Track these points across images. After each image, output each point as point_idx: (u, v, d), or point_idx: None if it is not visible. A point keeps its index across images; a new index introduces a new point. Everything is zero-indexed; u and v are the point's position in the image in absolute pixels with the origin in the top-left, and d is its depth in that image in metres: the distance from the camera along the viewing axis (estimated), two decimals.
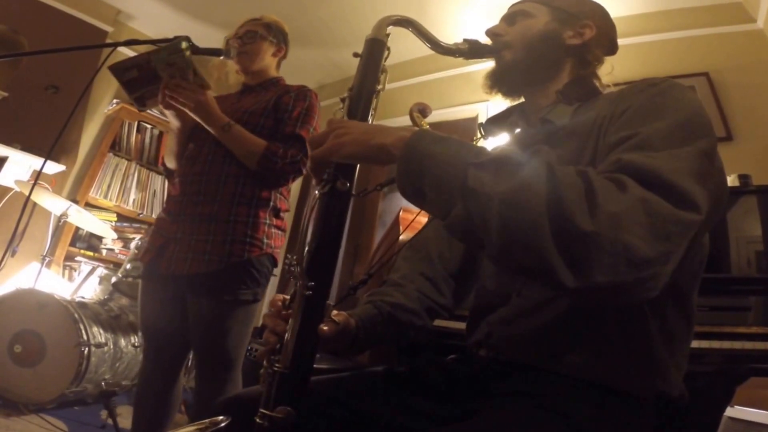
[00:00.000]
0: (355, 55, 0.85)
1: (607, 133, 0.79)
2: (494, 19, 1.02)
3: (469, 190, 0.61)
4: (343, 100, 0.82)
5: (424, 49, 3.53)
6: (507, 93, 1.02)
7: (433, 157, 0.64)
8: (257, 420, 0.66)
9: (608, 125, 0.80)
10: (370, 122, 0.80)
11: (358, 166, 0.76)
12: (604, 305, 0.76)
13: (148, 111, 3.78)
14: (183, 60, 1.44)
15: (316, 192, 0.74)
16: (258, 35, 1.73)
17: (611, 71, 1.03)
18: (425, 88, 3.70)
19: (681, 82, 0.79)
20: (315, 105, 1.70)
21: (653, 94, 0.76)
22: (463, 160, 0.63)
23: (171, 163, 1.72)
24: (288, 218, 1.76)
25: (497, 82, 1.01)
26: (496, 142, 1.26)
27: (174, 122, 1.61)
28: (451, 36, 1.06)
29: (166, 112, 1.57)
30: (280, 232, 1.67)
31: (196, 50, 1.48)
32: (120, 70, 1.47)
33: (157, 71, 1.45)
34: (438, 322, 1.87)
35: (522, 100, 1.04)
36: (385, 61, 0.84)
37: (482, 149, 0.66)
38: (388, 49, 0.84)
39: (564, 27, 0.97)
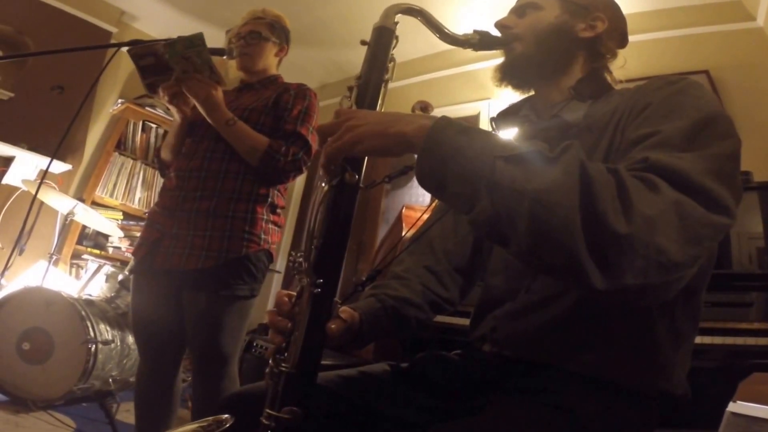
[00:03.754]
0: (363, 43, 0.81)
1: (625, 129, 0.78)
2: (496, 17, 1.00)
3: (496, 185, 0.58)
4: (350, 89, 0.79)
5: (425, 48, 3.51)
6: (517, 86, 1.00)
7: (458, 148, 0.61)
8: (263, 421, 0.64)
9: (626, 121, 0.79)
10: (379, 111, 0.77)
11: (367, 157, 0.73)
12: (623, 305, 0.75)
13: (153, 111, 3.82)
14: (199, 57, 1.45)
15: (323, 185, 0.71)
16: (261, 36, 1.73)
17: (624, 64, 1.01)
18: (427, 87, 3.70)
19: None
20: (314, 104, 1.70)
21: (673, 92, 0.75)
22: (490, 153, 0.60)
23: (166, 155, 1.73)
24: (285, 214, 1.77)
25: (507, 75, 0.98)
26: (506, 135, 1.25)
27: (177, 114, 1.61)
28: None
29: (171, 103, 1.58)
30: (276, 228, 1.68)
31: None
32: (138, 54, 1.49)
33: (171, 63, 1.46)
34: (443, 319, 1.90)
35: (532, 93, 1.03)
36: (393, 49, 0.81)
37: (509, 142, 0.63)
38: (397, 37, 0.81)
39: (575, 19, 0.96)
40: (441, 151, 0.62)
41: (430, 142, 0.63)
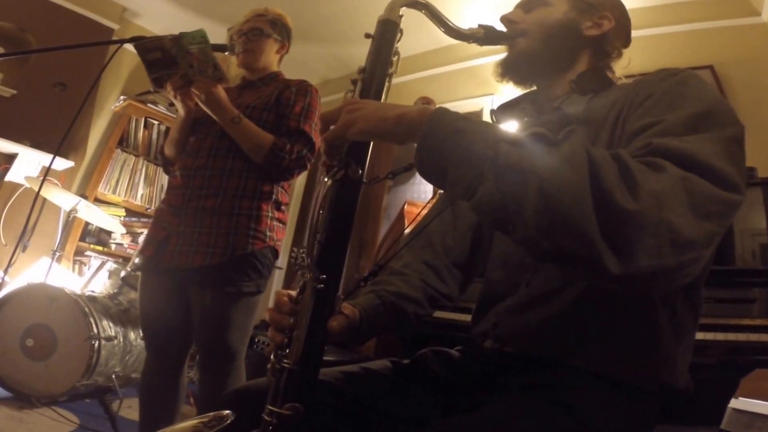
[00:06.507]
0: (367, 36, 0.81)
1: (626, 120, 0.78)
2: (501, 14, 0.99)
3: (501, 167, 0.57)
4: (354, 82, 0.78)
5: (428, 43, 3.51)
6: (519, 81, 0.99)
7: (460, 131, 0.61)
8: (265, 417, 0.64)
9: (627, 113, 0.79)
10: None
11: (370, 152, 0.72)
12: (639, 294, 0.74)
13: (155, 107, 3.82)
14: (202, 53, 1.45)
15: (325, 179, 0.70)
16: (263, 33, 1.73)
17: (628, 64, 1.01)
18: (429, 83, 3.70)
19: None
20: (316, 100, 1.70)
21: (674, 83, 0.75)
22: (492, 136, 0.59)
23: (170, 151, 1.73)
24: (290, 211, 1.78)
25: (509, 70, 0.97)
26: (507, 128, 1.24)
27: (181, 108, 1.62)
28: None
29: (175, 99, 1.58)
30: (281, 225, 1.69)
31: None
32: (144, 49, 1.48)
33: (177, 58, 1.47)
34: (444, 315, 1.89)
35: (533, 88, 1.02)
36: (397, 42, 0.80)
37: (508, 130, 0.63)
38: (401, 31, 0.80)
39: (582, 17, 0.95)
40: (442, 133, 0.62)
41: (432, 125, 0.62)
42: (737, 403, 1.23)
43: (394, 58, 0.79)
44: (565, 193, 0.53)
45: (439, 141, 0.62)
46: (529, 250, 0.64)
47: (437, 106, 0.67)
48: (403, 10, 0.82)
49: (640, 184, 0.54)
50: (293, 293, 0.73)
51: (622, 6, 1.01)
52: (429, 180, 0.66)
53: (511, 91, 1.03)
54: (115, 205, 3.74)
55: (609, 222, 0.53)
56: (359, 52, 0.80)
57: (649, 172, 0.57)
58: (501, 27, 0.97)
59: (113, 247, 3.70)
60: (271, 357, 0.69)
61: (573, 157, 0.55)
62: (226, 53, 1.67)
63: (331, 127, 0.69)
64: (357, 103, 0.69)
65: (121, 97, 3.80)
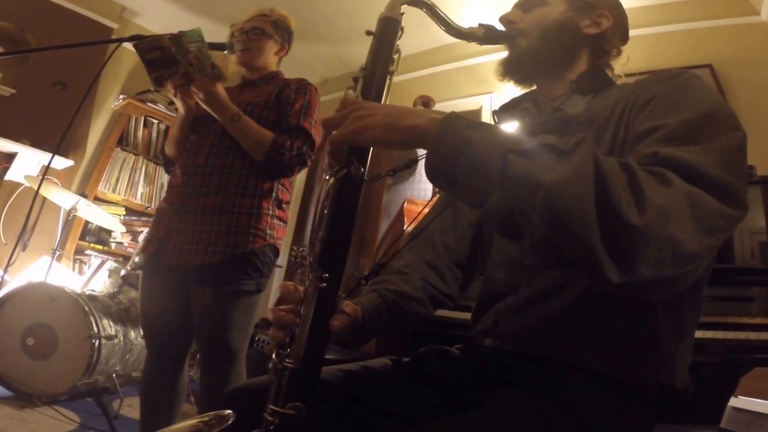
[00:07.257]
0: (369, 33, 0.81)
1: (629, 122, 0.78)
2: (501, 13, 1.00)
3: (509, 178, 0.58)
4: (355, 80, 0.77)
5: (427, 42, 3.49)
6: (520, 81, 1.00)
7: (469, 140, 0.61)
8: (267, 417, 0.64)
9: (629, 114, 0.79)
10: (384, 103, 0.76)
11: (371, 149, 0.72)
12: (637, 299, 0.74)
13: (154, 106, 3.82)
14: (200, 51, 1.46)
15: (326, 177, 0.70)
16: (264, 33, 1.74)
17: (626, 62, 1.02)
18: (428, 81, 3.69)
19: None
20: (315, 98, 1.71)
21: (675, 85, 0.75)
22: (501, 146, 0.60)
23: (171, 150, 1.74)
24: (290, 209, 1.78)
25: (510, 70, 0.98)
26: (508, 129, 1.24)
27: (182, 107, 1.62)
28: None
29: (175, 98, 1.59)
30: (282, 223, 1.69)
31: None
32: (144, 49, 1.48)
33: (177, 56, 1.47)
34: (444, 313, 1.89)
35: (534, 88, 1.03)
36: (398, 40, 0.80)
37: (520, 136, 0.63)
38: (402, 28, 0.81)
39: (581, 16, 0.96)
40: (452, 143, 0.62)
41: (442, 134, 0.63)
42: (737, 401, 1.23)
43: (395, 56, 0.79)
44: (571, 206, 0.54)
45: (448, 150, 0.62)
46: (536, 257, 0.65)
47: (441, 109, 0.67)
48: (404, 8, 0.82)
49: (647, 198, 0.55)
50: (300, 286, 0.73)
51: (619, 4, 1.01)
52: (439, 187, 0.67)
53: (510, 89, 1.03)
54: (115, 203, 3.74)
55: (613, 235, 0.54)
56: (359, 52, 0.79)
57: (657, 184, 0.58)
58: (501, 26, 0.98)
59: (113, 245, 3.70)
60: (273, 356, 0.68)
61: (581, 170, 0.56)
62: (225, 52, 1.67)
63: (335, 131, 0.68)
64: (365, 108, 0.68)
65: (121, 96, 3.80)
